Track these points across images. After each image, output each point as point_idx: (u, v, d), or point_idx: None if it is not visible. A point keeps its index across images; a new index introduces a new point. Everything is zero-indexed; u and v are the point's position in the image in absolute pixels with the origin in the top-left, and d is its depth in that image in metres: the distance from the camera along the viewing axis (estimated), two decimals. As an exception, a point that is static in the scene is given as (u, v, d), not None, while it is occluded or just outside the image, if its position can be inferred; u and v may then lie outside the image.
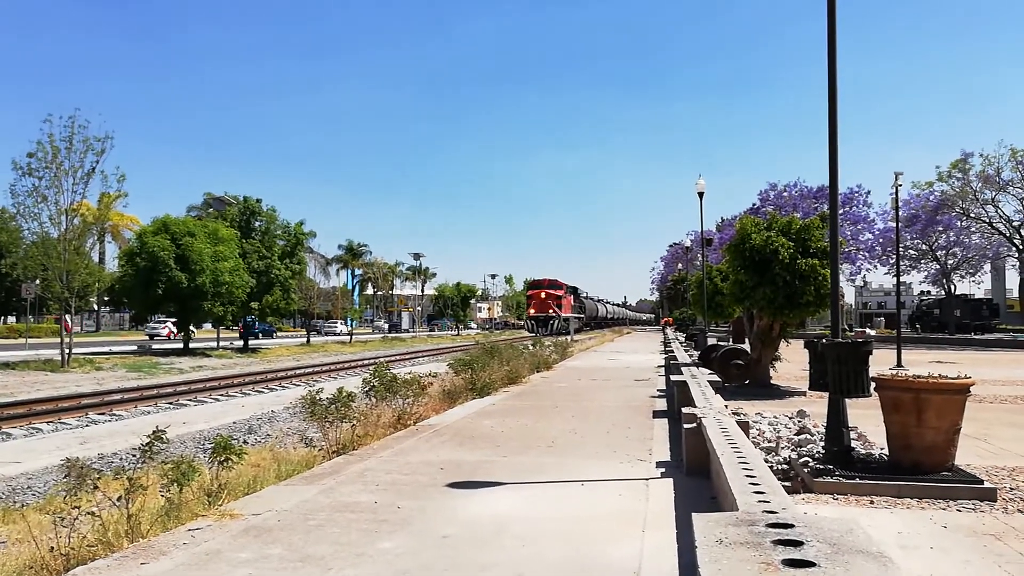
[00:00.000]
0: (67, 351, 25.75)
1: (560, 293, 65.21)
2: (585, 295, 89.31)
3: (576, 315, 70.40)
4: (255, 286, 38.00)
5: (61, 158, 25.09)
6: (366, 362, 28.80)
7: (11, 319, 63.51)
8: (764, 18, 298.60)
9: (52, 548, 4.57)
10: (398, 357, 33.40)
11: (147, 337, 54.79)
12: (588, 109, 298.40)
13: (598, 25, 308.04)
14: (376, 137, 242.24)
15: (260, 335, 60.43)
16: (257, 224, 40.98)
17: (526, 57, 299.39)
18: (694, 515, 3.05)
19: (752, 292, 15.28)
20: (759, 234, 15.35)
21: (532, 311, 64.34)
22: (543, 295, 64.23)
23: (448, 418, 10.76)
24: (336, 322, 75.10)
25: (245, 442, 10.24)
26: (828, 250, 11.62)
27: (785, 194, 49.90)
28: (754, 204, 50.63)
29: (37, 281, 31.50)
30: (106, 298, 55.40)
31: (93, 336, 58.26)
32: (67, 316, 27.43)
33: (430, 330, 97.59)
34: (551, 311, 62.43)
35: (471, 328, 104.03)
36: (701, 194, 28.67)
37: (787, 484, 6.36)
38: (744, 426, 6.47)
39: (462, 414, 11.22)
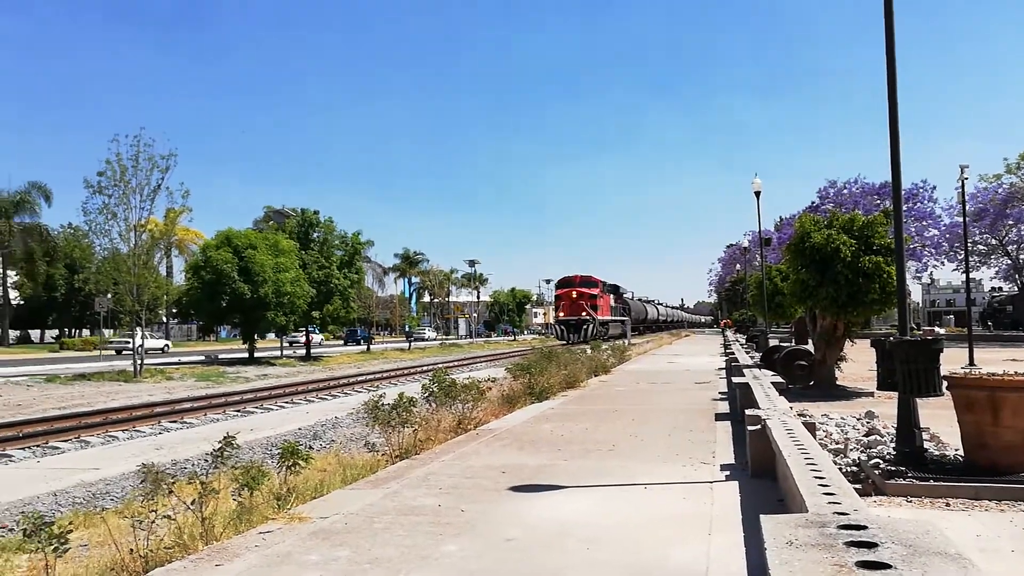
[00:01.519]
0: (139, 362, 26.65)
1: (595, 291, 54.39)
2: (631, 295, 79.48)
3: (617, 317, 60.30)
4: (315, 296, 38.74)
5: (129, 176, 26.02)
6: (425, 368, 29.10)
7: (85, 332, 66.07)
8: (822, 6, 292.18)
9: (131, 550, 4.74)
10: (456, 363, 33.64)
11: (114, 352, 45.32)
12: (640, 112, 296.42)
13: (642, 28, 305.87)
14: (429, 145, 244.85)
15: (362, 341, 62.67)
16: (315, 235, 41.79)
17: (576, 63, 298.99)
18: (763, 517, 3.01)
19: (814, 291, 14.97)
20: (819, 232, 15.04)
21: (561, 314, 54.00)
22: (574, 295, 53.40)
23: (508, 422, 10.80)
24: (423, 329, 78.54)
25: (311, 447, 10.45)
26: (893, 247, 11.32)
27: (846, 191, 48.75)
28: (813, 202, 49.61)
29: (109, 295, 32.72)
30: (174, 310, 57.13)
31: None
32: (138, 329, 28.41)
33: (487, 336, 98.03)
34: (584, 313, 52.12)
35: (527, 334, 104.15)
36: (758, 193, 28.21)
37: (857, 487, 6.21)
38: (810, 427, 6.34)
39: (522, 418, 11.25)
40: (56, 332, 69.02)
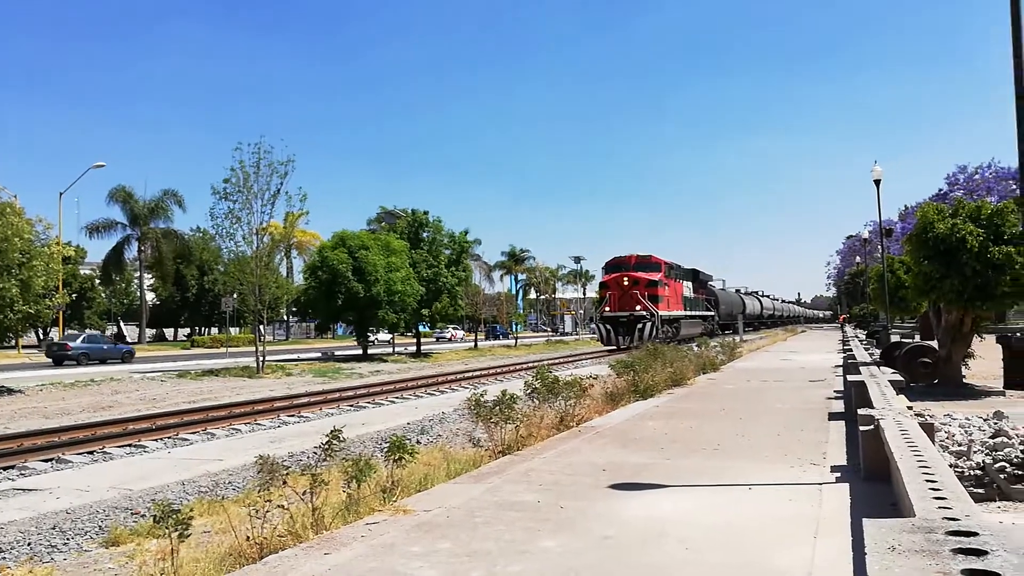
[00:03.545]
0: (261, 359, 28.08)
1: (656, 277, 40.08)
2: (721, 284, 65.66)
3: (695, 312, 47.26)
4: (425, 294, 39.69)
5: (251, 182, 27.41)
6: (529, 365, 29.30)
7: (214, 330, 70.12)
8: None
9: (248, 537, 5.03)
10: (560, 360, 33.68)
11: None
12: (762, 94, 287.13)
13: (748, 12, 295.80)
14: (539, 140, 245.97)
15: (501, 336, 64.01)
16: (425, 235, 42.78)
17: (690, 47, 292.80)
18: (865, 520, 2.90)
19: (937, 284, 14.13)
20: (943, 222, 14.18)
21: (607, 308, 40.02)
22: (625, 281, 39.42)
23: (610, 420, 10.75)
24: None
25: (418, 442, 10.74)
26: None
27: (977, 176, 45.65)
28: (940, 189, 46.70)
29: (235, 295, 34.63)
30: (293, 309, 59.81)
31: (283, 344, 63.10)
32: (260, 327, 29.94)
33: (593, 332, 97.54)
34: (639, 307, 38.41)
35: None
36: (878, 181, 26.87)
37: (980, 491, 5.86)
38: (928, 428, 6.01)
39: (624, 416, 11.17)
40: (188, 331, 73.61)
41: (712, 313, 53.13)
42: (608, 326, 39.80)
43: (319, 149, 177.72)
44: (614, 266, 41.98)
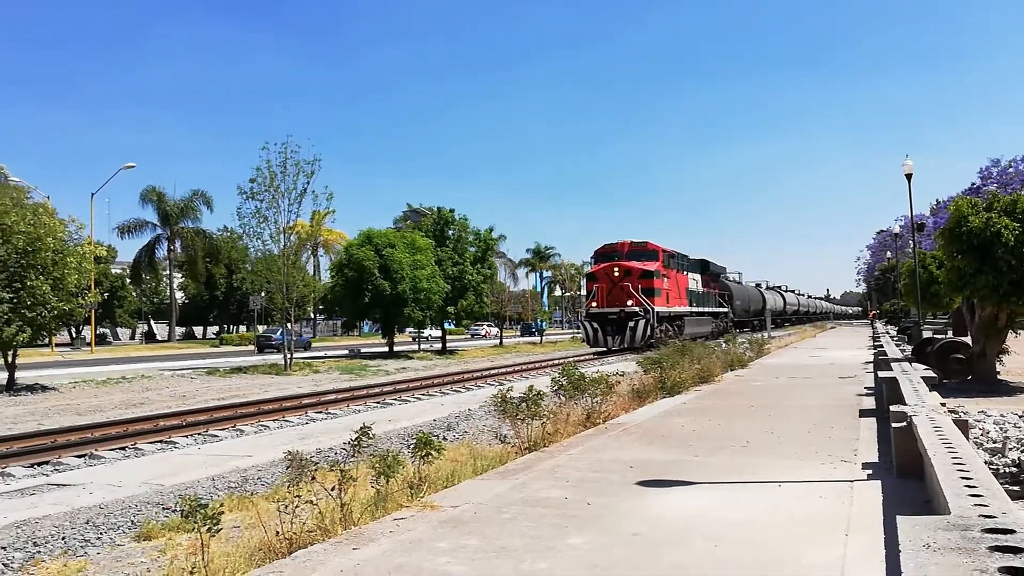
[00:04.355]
0: (289, 356, 28.33)
1: (653, 267, 34.68)
2: (736, 278, 59.96)
3: (704, 308, 42.14)
4: (450, 291, 39.80)
5: (278, 181, 27.64)
6: (555, 362, 29.24)
7: (242, 328, 70.92)
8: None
9: (277, 532, 5.07)
10: (586, 357, 33.60)
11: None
12: (780, 93, 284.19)
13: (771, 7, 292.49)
14: (556, 139, 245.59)
15: (536, 332, 64.53)
16: (450, 233, 42.89)
17: (702, 48, 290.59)
18: (899, 518, 2.85)
19: (971, 279, 13.90)
20: (978, 216, 13.94)
21: (594, 303, 34.92)
22: (616, 272, 34.34)
23: (637, 417, 10.70)
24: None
25: (444, 438, 10.77)
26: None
27: (1011, 170, 44.77)
28: (973, 184, 45.85)
29: (262, 293, 34.97)
30: (320, 306, 60.30)
31: (311, 341, 63.60)
32: (288, 325, 30.22)
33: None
34: (631, 302, 33.27)
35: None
36: (909, 176, 26.41)
37: (1015, 488, 5.75)
38: (962, 425, 5.91)
39: (651, 413, 11.12)
40: (216, 328, 74.55)
41: (725, 309, 47.30)
42: (595, 324, 34.32)
43: (340, 150, 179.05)
44: (604, 255, 36.67)
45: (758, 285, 68.92)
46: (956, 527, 2.74)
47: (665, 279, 35.66)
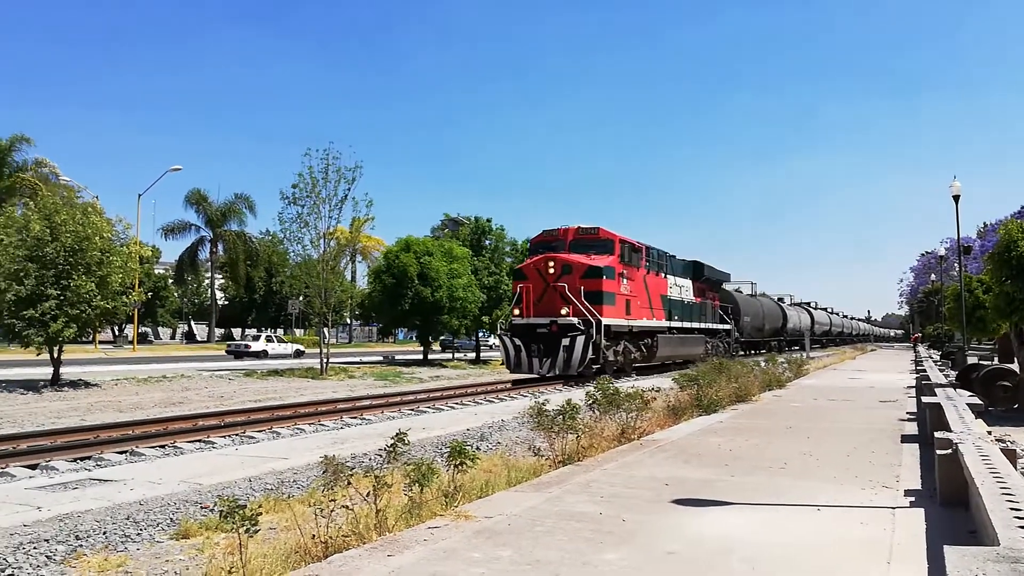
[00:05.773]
0: (325, 361, 28.62)
1: (604, 262, 24.54)
2: (749, 289, 52.19)
3: (692, 324, 32.69)
4: (486, 301, 39.91)
5: (319, 187, 28.01)
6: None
7: (279, 331, 71.85)
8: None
9: (313, 536, 5.11)
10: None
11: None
12: (826, 110, 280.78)
13: (833, 21, 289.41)
14: (593, 144, 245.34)
15: None
16: (487, 242, 43.06)
17: (749, 60, 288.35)
18: (946, 548, 2.79)
19: (1021, 305, 13.56)
20: (1028, 239, 13.60)
21: (517, 312, 24.77)
22: (551, 269, 24.30)
23: (673, 434, 10.60)
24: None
25: (478, 448, 10.75)
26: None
27: (1063, 193, 43.63)
28: (1023, 206, 44.83)
29: (301, 298, 35.44)
30: (357, 312, 60.84)
31: (346, 347, 64.23)
32: (325, 330, 30.55)
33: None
34: (567, 309, 23.54)
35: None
36: (956, 197, 25.92)
37: (1067, 524, 5.57)
38: (1010, 454, 5.75)
39: (687, 431, 11.01)
40: (254, 331, 75.62)
41: (727, 326, 38.32)
42: (517, 341, 24.27)
43: (378, 154, 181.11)
44: (540, 244, 26.86)
45: (780, 300, 60.10)
46: (1006, 559, 2.67)
47: (624, 280, 25.80)
